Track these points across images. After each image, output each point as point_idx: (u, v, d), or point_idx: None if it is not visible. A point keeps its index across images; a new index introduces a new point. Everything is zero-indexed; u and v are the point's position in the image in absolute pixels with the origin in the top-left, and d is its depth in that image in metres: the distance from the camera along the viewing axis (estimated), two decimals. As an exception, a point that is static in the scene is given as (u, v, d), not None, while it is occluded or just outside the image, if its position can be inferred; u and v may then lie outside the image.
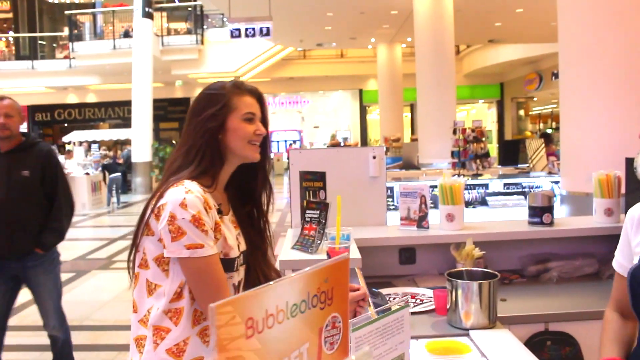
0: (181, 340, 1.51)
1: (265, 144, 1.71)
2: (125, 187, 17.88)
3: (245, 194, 1.75)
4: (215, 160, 1.59)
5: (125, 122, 21.95)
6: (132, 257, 1.59)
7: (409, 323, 0.91)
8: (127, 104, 19.26)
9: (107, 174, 15.19)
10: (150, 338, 1.52)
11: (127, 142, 20.20)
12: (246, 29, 10.88)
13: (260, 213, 1.77)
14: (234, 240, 1.63)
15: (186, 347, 1.51)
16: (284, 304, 0.53)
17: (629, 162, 2.65)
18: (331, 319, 0.60)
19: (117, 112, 24.80)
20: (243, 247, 1.70)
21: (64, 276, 7.19)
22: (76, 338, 4.97)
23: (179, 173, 1.56)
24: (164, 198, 1.50)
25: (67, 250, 9.49)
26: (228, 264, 1.57)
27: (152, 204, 1.52)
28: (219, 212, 1.58)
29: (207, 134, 1.57)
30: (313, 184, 2.59)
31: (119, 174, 15.35)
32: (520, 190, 6.45)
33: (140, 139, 17.35)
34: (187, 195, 1.47)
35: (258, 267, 1.75)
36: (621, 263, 1.57)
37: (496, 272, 2.10)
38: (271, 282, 0.53)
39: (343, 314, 0.61)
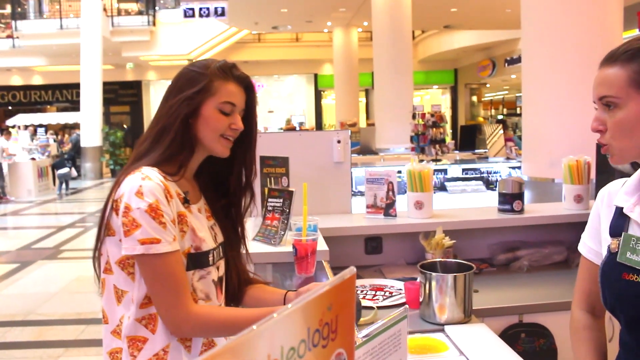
0: (160, 349, 1.35)
1: (248, 141, 1.53)
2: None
3: (220, 188, 1.57)
4: (185, 147, 1.41)
5: (74, 106, 21.16)
6: (96, 261, 1.41)
7: (406, 335, 0.76)
8: (76, 86, 18.55)
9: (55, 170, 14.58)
10: (126, 351, 1.36)
11: (75, 126, 19.50)
12: (200, 9, 10.56)
13: (237, 213, 1.59)
14: (207, 232, 1.45)
15: (167, 356, 1.36)
16: (278, 350, 0.37)
17: (600, 147, 2.57)
18: (335, 358, 0.45)
19: (65, 94, 23.90)
20: (220, 238, 1.52)
21: (6, 267, 6.88)
22: (20, 334, 4.72)
23: (145, 156, 1.39)
24: (121, 188, 1.33)
25: (11, 239, 9.11)
26: (201, 259, 1.40)
27: (112, 197, 1.35)
28: (186, 201, 1.41)
29: (179, 119, 1.38)
30: (275, 170, 2.43)
31: (67, 169, 14.70)
32: (478, 175, 6.44)
33: (90, 123, 16.81)
34: (143, 182, 1.30)
35: (233, 265, 1.58)
36: (590, 247, 1.42)
37: (471, 264, 1.99)
38: (259, 323, 0.37)
39: (349, 349, 0.46)
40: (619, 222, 1.29)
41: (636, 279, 1.20)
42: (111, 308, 1.39)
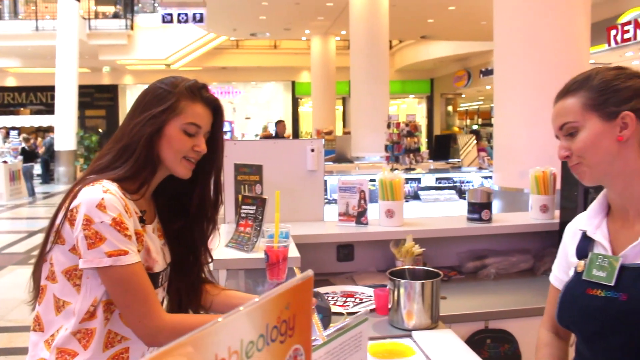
0: None
1: (211, 166, 1.50)
2: (47, 177, 17.12)
3: (178, 209, 1.54)
4: (148, 166, 1.39)
5: (49, 109, 20.89)
6: (38, 268, 1.38)
7: (367, 338, 0.81)
8: (51, 89, 18.30)
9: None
10: None
11: (50, 130, 19.25)
12: (179, 15, 10.54)
13: (198, 237, 1.56)
14: (159, 252, 1.45)
15: None
16: (237, 343, 0.42)
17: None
18: (292, 353, 0.49)
19: (39, 97, 23.59)
20: (169, 258, 1.51)
21: (-25, 272, 6.70)
22: (-12, 340, 4.65)
23: (105, 171, 1.37)
24: (78, 198, 1.30)
25: (-19, 244, 8.93)
26: (152, 280, 1.37)
27: (65, 206, 1.32)
28: (142, 220, 1.39)
29: (143, 138, 1.37)
30: (249, 177, 2.47)
31: (30, 164, 14.56)
32: (451, 185, 6.54)
33: (64, 127, 16.56)
34: (105, 195, 1.28)
35: (175, 285, 1.55)
36: (556, 276, 1.52)
37: (439, 271, 2.04)
38: (222, 317, 0.41)
39: (306, 345, 0.50)
40: (584, 244, 1.38)
41: (600, 293, 1.28)
42: (48, 317, 1.36)
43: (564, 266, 1.48)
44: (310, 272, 0.50)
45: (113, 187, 1.32)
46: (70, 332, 1.32)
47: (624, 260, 1.26)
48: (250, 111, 24.99)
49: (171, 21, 10.65)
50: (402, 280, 1.98)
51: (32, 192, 14.33)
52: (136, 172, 1.37)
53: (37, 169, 16.92)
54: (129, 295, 1.30)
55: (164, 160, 1.41)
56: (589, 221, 1.40)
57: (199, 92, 1.43)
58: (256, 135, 21.57)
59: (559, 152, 1.35)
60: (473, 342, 2.25)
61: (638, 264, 1.25)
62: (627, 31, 10.05)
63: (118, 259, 1.26)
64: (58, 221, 1.32)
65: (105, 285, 1.31)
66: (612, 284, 1.25)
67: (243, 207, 2.27)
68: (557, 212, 2.86)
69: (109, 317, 1.35)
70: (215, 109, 1.47)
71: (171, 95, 1.39)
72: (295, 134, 23.59)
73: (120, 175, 1.36)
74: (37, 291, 1.39)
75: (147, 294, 1.31)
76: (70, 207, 1.30)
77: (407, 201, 5.98)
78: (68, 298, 1.34)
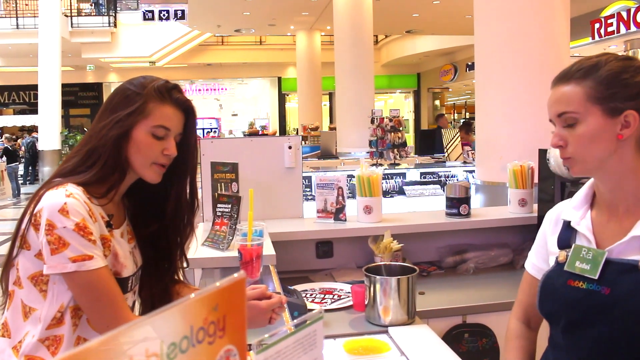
0: None
1: (184, 169, 1.46)
2: (32, 177, 16.96)
3: (152, 212, 1.49)
4: (116, 171, 1.35)
5: (32, 108, 20.70)
6: (6, 272, 1.35)
7: (322, 335, 0.81)
8: (34, 88, 18.12)
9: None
10: None
11: (34, 129, 19.06)
12: (160, 11, 10.46)
13: (175, 241, 1.52)
14: (128, 257, 1.41)
15: None
16: (156, 345, 0.41)
17: (542, 153, 2.67)
18: (224, 353, 0.49)
19: (22, 96, 23.35)
20: (140, 261, 1.47)
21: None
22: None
23: (71, 175, 1.33)
24: (41, 203, 1.27)
25: (-37, 245, 8.83)
26: (120, 285, 1.34)
27: (30, 210, 1.29)
28: (108, 225, 1.36)
29: (110, 142, 1.33)
30: (225, 175, 2.45)
31: (15, 163, 14.44)
32: (436, 179, 6.56)
33: (48, 126, 16.35)
34: (68, 199, 1.25)
35: (148, 288, 1.51)
36: (534, 264, 1.49)
37: (415, 267, 2.05)
38: (135, 320, 0.40)
39: (240, 345, 0.50)
40: (567, 235, 1.36)
41: (581, 285, 1.27)
42: (16, 323, 1.33)
43: (543, 254, 1.46)
44: (242, 274, 0.49)
45: (77, 191, 1.29)
46: (38, 339, 1.30)
47: (609, 255, 1.25)
48: (236, 108, 24.90)
49: (153, 18, 10.57)
50: (378, 277, 1.99)
51: (17, 193, 14.21)
52: (103, 176, 1.34)
53: (22, 169, 16.78)
54: (96, 300, 1.28)
55: (132, 165, 1.37)
56: (573, 211, 1.37)
57: (168, 93, 1.38)
58: (243, 133, 21.50)
59: (553, 139, 1.30)
60: (451, 336, 2.26)
61: (623, 259, 1.24)
62: (611, 24, 10.12)
63: (83, 264, 1.24)
64: (23, 225, 1.30)
65: (71, 291, 1.29)
66: (596, 277, 1.24)
67: (219, 205, 2.26)
68: (535, 206, 2.87)
69: (77, 322, 1.32)
70: (187, 111, 1.42)
71: (139, 97, 1.35)
72: (282, 131, 23.55)
73: (86, 180, 1.33)
74: (6, 296, 1.36)
75: (114, 298, 1.29)
76: (34, 212, 1.28)
77: (392, 196, 6.02)
78: (34, 304, 1.31)
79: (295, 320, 0.77)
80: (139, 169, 1.37)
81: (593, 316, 1.25)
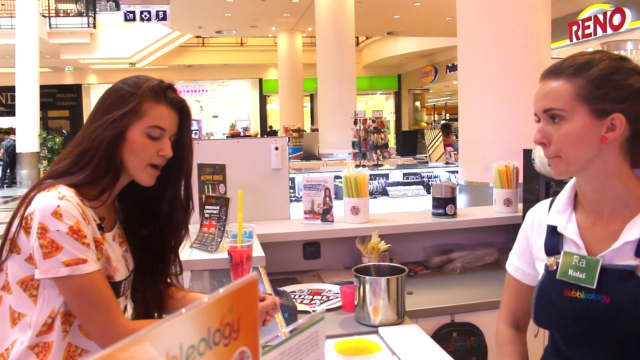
0: None
1: (179, 170, 1.43)
2: (10, 179, 16.72)
3: (146, 214, 1.46)
4: (110, 172, 1.32)
5: (9, 110, 20.39)
6: None
7: (324, 336, 0.80)
8: (11, 89, 17.85)
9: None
10: None
11: (11, 131, 18.77)
12: (141, 12, 10.39)
13: (165, 245, 1.49)
14: (120, 261, 1.38)
15: None
16: (176, 348, 0.40)
17: (527, 153, 2.69)
18: (239, 355, 0.48)
19: (-1, 98, 23.05)
20: (132, 265, 1.45)
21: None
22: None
23: (63, 176, 1.30)
24: (32, 205, 1.24)
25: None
26: (113, 289, 1.31)
27: (20, 213, 1.26)
28: (100, 228, 1.33)
29: (104, 143, 1.30)
30: (212, 177, 2.44)
31: None
32: (419, 180, 6.60)
33: (26, 128, 16.10)
34: (61, 202, 1.22)
35: (142, 292, 1.48)
36: (517, 267, 1.44)
37: (404, 267, 2.06)
38: (157, 323, 0.40)
39: (253, 347, 0.49)
40: (553, 240, 1.31)
41: (579, 295, 1.22)
42: (4, 329, 1.29)
43: (527, 258, 1.41)
44: (255, 274, 0.49)
45: (69, 193, 1.26)
46: (27, 346, 1.26)
47: (602, 261, 1.20)
48: (217, 109, 24.80)
49: (134, 19, 10.50)
50: (367, 277, 1.99)
51: None
52: (96, 177, 1.31)
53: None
54: (89, 304, 1.25)
55: (126, 167, 1.34)
56: (557, 216, 1.32)
57: (163, 93, 1.35)
58: (224, 134, 21.41)
59: (536, 135, 1.25)
60: (439, 336, 2.27)
61: (619, 265, 1.19)
62: (588, 27, 10.27)
63: (76, 267, 1.21)
64: (13, 229, 1.26)
65: (63, 296, 1.26)
66: (594, 287, 1.19)
67: (207, 207, 2.24)
68: (520, 206, 2.90)
69: (67, 329, 1.29)
70: (182, 110, 1.40)
71: (133, 97, 1.32)
72: (264, 132, 23.50)
73: (78, 181, 1.29)
74: None
75: (107, 303, 1.26)
76: (25, 215, 1.24)
77: (375, 197, 6.04)
78: (24, 310, 1.27)
79: (296, 323, 0.76)
80: (133, 170, 1.35)
81: (598, 328, 1.19)
